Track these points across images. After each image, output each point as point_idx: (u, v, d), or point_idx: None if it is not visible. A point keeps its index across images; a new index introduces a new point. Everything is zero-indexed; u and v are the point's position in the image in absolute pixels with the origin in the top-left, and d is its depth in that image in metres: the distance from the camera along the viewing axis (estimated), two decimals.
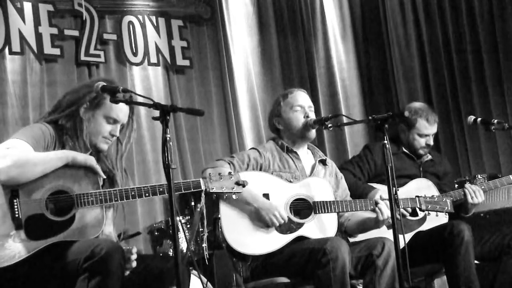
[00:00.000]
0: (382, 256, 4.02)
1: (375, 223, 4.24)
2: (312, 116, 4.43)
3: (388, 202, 4.12)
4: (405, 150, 5.01)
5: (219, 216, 4.11)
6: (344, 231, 4.45)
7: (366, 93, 8.28)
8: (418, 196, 4.40)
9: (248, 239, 4.07)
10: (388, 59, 8.22)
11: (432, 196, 4.44)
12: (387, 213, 4.16)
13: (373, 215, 4.25)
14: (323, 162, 4.53)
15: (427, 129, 4.95)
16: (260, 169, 4.31)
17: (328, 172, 4.53)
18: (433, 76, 7.69)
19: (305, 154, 4.51)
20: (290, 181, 4.29)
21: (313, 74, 8.06)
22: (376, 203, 4.22)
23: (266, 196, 4.17)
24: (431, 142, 5.00)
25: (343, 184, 4.58)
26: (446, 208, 4.43)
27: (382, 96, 8.25)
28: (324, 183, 4.36)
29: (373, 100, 8.29)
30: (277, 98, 4.57)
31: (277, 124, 4.50)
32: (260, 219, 4.09)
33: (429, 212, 4.50)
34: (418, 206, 4.38)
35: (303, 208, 4.24)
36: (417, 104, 5.08)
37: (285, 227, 4.14)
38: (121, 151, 3.69)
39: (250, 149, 4.52)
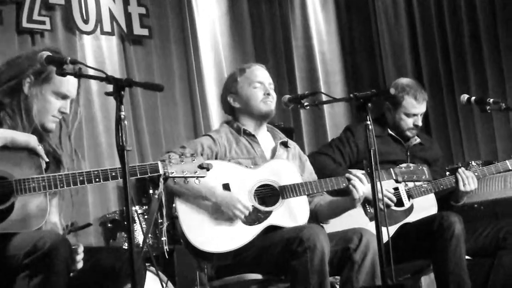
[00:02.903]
0: (359, 249, 4.05)
1: (351, 202, 4.26)
2: (273, 93, 4.45)
3: (362, 177, 4.20)
4: (391, 132, 5.03)
5: (177, 214, 4.11)
6: (315, 217, 4.47)
7: (349, 69, 8.32)
8: (392, 168, 4.41)
9: (211, 236, 4.08)
10: (374, 31, 8.26)
11: (407, 165, 4.46)
12: (362, 189, 4.20)
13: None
14: (284, 144, 4.56)
15: (415, 108, 4.98)
16: (216, 158, 4.32)
17: (291, 155, 4.55)
18: (424, 51, 7.75)
19: (264, 137, 4.53)
20: (251, 168, 4.30)
21: (289, 47, 8.08)
22: (349, 180, 4.25)
23: (226, 186, 4.18)
24: (420, 123, 5.03)
25: (309, 167, 4.60)
26: (424, 176, 4.44)
27: (366, 73, 8.30)
28: (288, 164, 4.38)
29: (357, 77, 8.34)
30: (233, 73, 4.58)
31: (232, 103, 4.50)
32: (221, 214, 4.11)
33: (412, 191, 4.53)
34: (394, 178, 4.39)
35: (269, 194, 4.25)
36: (405, 80, 5.10)
37: (252, 218, 4.15)
38: (67, 129, 3.66)
39: (203, 136, 4.51)
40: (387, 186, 4.58)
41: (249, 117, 4.48)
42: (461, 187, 4.75)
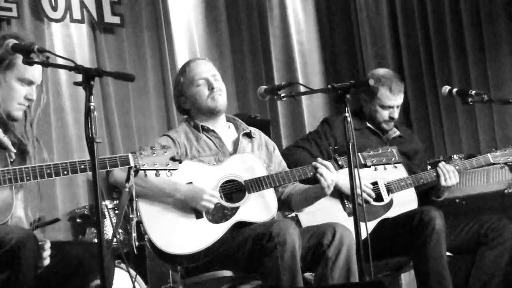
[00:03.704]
0: (332, 245, 4.07)
1: (321, 191, 4.28)
2: (219, 85, 4.45)
3: (329, 164, 4.24)
4: (369, 125, 5.04)
5: (141, 219, 4.11)
6: (288, 207, 4.49)
7: (328, 60, 8.34)
8: (360, 153, 4.41)
9: (178, 237, 4.08)
10: (354, 20, 8.29)
11: (375, 148, 4.48)
12: (330, 177, 4.22)
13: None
14: (248, 135, 4.56)
15: (390, 99, 4.98)
16: None
17: (256, 145, 4.56)
18: (406, 42, 7.78)
19: (225, 130, 4.54)
20: (214, 164, 4.31)
21: (266, 36, 8.08)
22: (316, 168, 4.27)
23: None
24: (395, 115, 5.04)
25: (277, 156, 4.62)
26: (394, 158, 4.45)
27: (346, 64, 8.32)
28: (252, 157, 4.39)
29: (336, 68, 8.36)
30: (177, 76, 4.61)
31: (183, 105, 4.53)
32: (188, 211, 4.12)
33: (392, 185, 4.55)
34: (363, 163, 4.40)
35: (234, 190, 4.27)
36: (381, 71, 5.11)
37: (218, 216, 4.17)
38: (30, 117, 3.65)
39: (162, 136, 4.51)
40: (365, 181, 4.60)
41: (202, 115, 4.49)
42: (442, 182, 4.77)
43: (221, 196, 4.22)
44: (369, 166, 4.42)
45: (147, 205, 4.13)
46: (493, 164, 4.90)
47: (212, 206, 4.11)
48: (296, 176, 4.31)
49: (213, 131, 4.46)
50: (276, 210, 4.27)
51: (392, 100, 4.98)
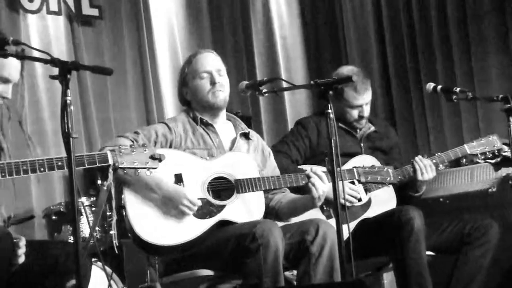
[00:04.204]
0: (316, 241, 4.08)
1: (311, 201, 4.29)
2: (222, 81, 4.45)
3: (323, 175, 4.25)
4: (341, 125, 5.04)
5: (124, 204, 4.11)
6: (275, 215, 4.50)
7: (311, 55, 8.34)
8: (355, 167, 4.45)
9: (159, 228, 4.09)
10: (338, 16, 8.29)
11: (372, 165, 4.51)
12: (322, 188, 4.23)
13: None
14: (245, 135, 4.57)
15: (356, 99, 4.99)
16: (170, 147, 4.33)
17: (253, 148, 4.57)
18: (390, 38, 7.79)
19: (224, 127, 4.55)
20: (207, 159, 4.32)
21: (249, 31, 8.08)
22: (309, 177, 4.28)
23: (178, 176, 4.20)
24: (365, 114, 5.05)
25: (272, 163, 4.63)
26: (388, 178, 4.51)
27: (329, 60, 8.31)
28: (247, 158, 4.41)
29: (319, 63, 8.36)
30: (183, 65, 4.64)
31: (185, 95, 4.56)
32: (169, 208, 4.12)
33: (370, 185, 4.59)
34: (357, 178, 4.44)
35: (223, 188, 4.28)
36: (344, 70, 5.09)
37: (203, 211, 4.17)
38: (9, 114, 3.64)
39: (159, 123, 4.54)
40: (345, 182, 4.61)
41: (202, 108, 4.50)
42: (419, 177, 4.79)
43: (209, 192, 4.22)
44: (363, 183, 4.47)
45: (132, 192, 4.13)
46: (470, 155, 4.91)
47: (191, 213, 4.12)
48: (288, 182, 4.33)
49: (211, 125, 4.48)
50: (262, 215, 4.28)
51: (359, 99, 4.99)
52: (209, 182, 4.25)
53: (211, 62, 4.52)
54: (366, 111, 5.04)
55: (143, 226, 4.08)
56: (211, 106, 4.46)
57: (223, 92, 4.45)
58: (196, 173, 4.23)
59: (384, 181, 4.50)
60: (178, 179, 4.20)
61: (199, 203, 4.14)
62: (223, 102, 4.48)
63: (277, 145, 5.08)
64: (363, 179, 4.45)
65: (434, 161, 4.83)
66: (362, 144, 5.09)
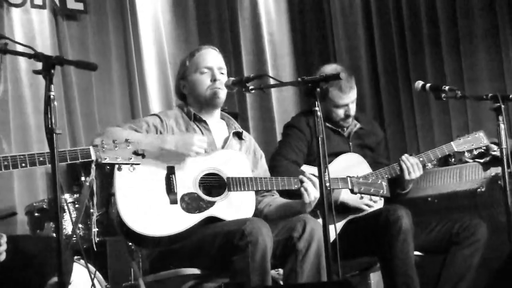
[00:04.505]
0: (303, 238, 4.08)
1: (302, 206, 4.29)
2: (223, 79, 4.45)
3: (316, 181, 4.18)
4: (328, 125, 5.03)
5: (114, 191, 4.10)
6: (264, 218, 4.49)
7: (299, 52, 8.35)
8: (349, 176, 4.46)
9: (148, 217, 4.08)
10: (327, 12, 8.30)
11: (366, 176, 4.52)
12: (314, 193, 4.23)
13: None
14: (238, 135, 4.57)
15: (342, 99, 4.99)
16: None
17: (245, 148, 4.57)
18: (379, 35, 7.80)
19: (217, 125, 4.56)
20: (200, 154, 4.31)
21: (236, 27, 8.08)
22: (302, 182, 4.28)
23: (171, 169, 4.19)
24: (351, 112, 5.05)
25: (263, 165, 4.64)
26: (382, 191, 4.52)
27: (317, 56, 8.32)
28: (240, 156, 4.41)
29: (307, 60, 8.37)
30: (184, 58, 4.63)
31: (182, 88, 4.56)
32: (164, 192, 4.11)
33: (362, 196, 4.58)
34: (350, 188, 4.45)
35: (215, 184, 4.28)
36: (328, 69, 5.07)
37: (193, 206, 4.17)
38: None
39: (150, 115, 4.53)
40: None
41: (198, 104, 4.50)
42: (406, 176, 4.81)
43: (200, 187, 4.22)
44: (356, 193, 4.47)
45: (123, 178, 4.11)
46: (457, 152, 4.92)
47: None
48: (280, 185, 4.32)
49: (204, 122, 4.47)
50: (252, 215, 4.27)
51: (344, 99, 4.99)
52: (201, 178, 4.25)
53: (214, 59, 4.53)
54: (352, 109, 5.04)
55: (131, 214, 4.07)
56: (208, 102, 4.46)
57: (222, 90, 4.45)
58: (188, 167, 4.23)
59: (377, 193, 4.51)
60: (170, 171, 4.20)
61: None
62: (221, 100, 4.49)
63: (282, 150, 5.00)
64: (356, 189, 4.46)
65: (421, 159, 4.84)
66: (350, 143, 5.09)
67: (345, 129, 5.11)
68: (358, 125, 5.15)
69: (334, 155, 4.88)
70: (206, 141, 4.21)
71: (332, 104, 4.99)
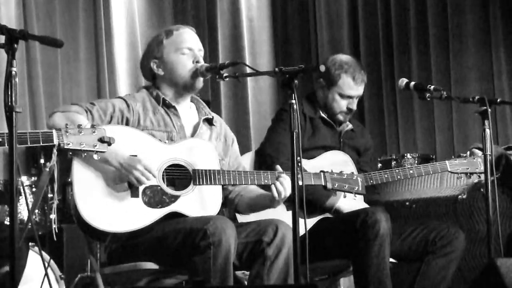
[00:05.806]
0: (273, 243, 4.07)
1: (270, 202, 4.30)
2: (202, 62, 4.42)
3: (287, 180, 4.17)
4: (322, 115, 5.05)
5: (72, 179, 4.07)
6: (234, 208, 4.49)
7: (279, 40, 8.37)
8: (323, 171, 4.45)
9: (107, 212, 4.05)
10: None
11: (341, 172, 4.51)
12: (284, 193, 4.22)
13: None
14: (209, 121, 4.55)
15: (351, 89, 5.00)
16: (127, 124, 4.29)
17: (215, 135, 4.53)
18: (364, 27, 7.84)
19: (187, 110, 4.50)
20: (165, 142, 4.28)
21: (213, 10, 8.09)
22: (278, 177, 4.26)
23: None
24: (354, 107, 5.06)
25: (235, 151, 4.60)
26: (357, 188, 4.51)
27: (298, 45, 8.34)
28: (209, 147, 4.37)
29: (287, 49, 8.39)
30: (158, 35, 4.51)
31: (155, 69, 4.46)
32: (121, 183, 4.08)
33: (336, 192, 4.59)
34: (323, 184, 4.44)
35: (180, 177, 4.24)
36: (344, 57, 5.10)
37: (155, 200, 4.14)
38: None
39: (117, 97, 4.47)
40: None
41: (172, 87, 4.43)
42: None
43: (163, 179, 4.19)
44: (329, 190, 4.45)
45: (81, 168, 4.07)
46: (450, 172, 4.89)
47: (144, 180, 4.06)
48: (249, 179, 4.27)
49: (174, 107, 4.43)
50: (217, 211, 4.26)
51: (353, 89, 4.99)
52: (165, 169, 4.21)
53: (195, 40, 4.47)
54: (355, 105, 5.05)
55: (89, 208, 4.03)
56: (187, 85, 4.39)
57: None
58: (152, 156, 4.16)
59: (351, 190, 4.47)
60: None
61: (156, 174, 4.11)
62: (201, 85, 4.44)
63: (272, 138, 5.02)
64: (329, 186, 4.43)
65: (411, 171, 4.83)
66: (342, 140, 5.09)
67: (338, 124, 5.10)
68: (350, 126, 5.15)
69: (322, 148, 4.89)
70: (152, 175, 4.06)
71: (338, 92, 4.98)
